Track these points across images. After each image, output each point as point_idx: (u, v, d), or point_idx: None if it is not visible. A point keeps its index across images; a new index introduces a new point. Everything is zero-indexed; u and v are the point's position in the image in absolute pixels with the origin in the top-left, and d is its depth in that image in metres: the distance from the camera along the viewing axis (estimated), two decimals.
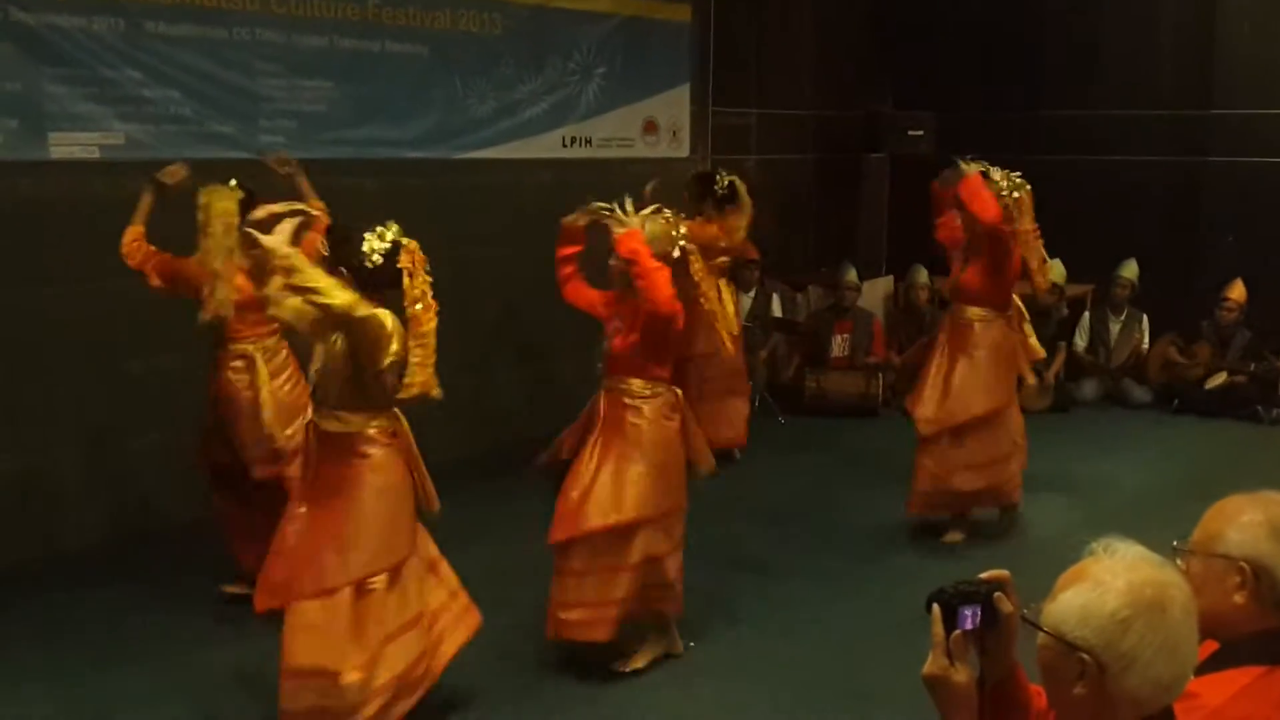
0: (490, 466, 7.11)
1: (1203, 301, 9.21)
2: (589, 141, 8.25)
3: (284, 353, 5.15)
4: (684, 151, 8.96)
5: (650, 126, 8.69)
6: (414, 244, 3.90)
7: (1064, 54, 10.15)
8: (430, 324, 3.86)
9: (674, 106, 8.87)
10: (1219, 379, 8.91)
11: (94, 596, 5.35)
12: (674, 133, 8.91)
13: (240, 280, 4.79)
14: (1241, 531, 2.22)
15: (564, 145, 8.10)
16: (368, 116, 6.98)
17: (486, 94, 7.58)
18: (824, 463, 7.60)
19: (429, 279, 3.89)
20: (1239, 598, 2.20)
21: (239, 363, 5.03)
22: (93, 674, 4.62)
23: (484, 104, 7.57)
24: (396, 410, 3.95)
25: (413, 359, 3.81)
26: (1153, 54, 9.83)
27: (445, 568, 4.17)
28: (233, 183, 4.89)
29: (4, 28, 5.48)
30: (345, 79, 6.83)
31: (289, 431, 4.88)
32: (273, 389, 4.98)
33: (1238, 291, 9.02)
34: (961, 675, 1.90)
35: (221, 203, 4.79)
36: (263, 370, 5.00)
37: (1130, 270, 9.37)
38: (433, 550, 4.13)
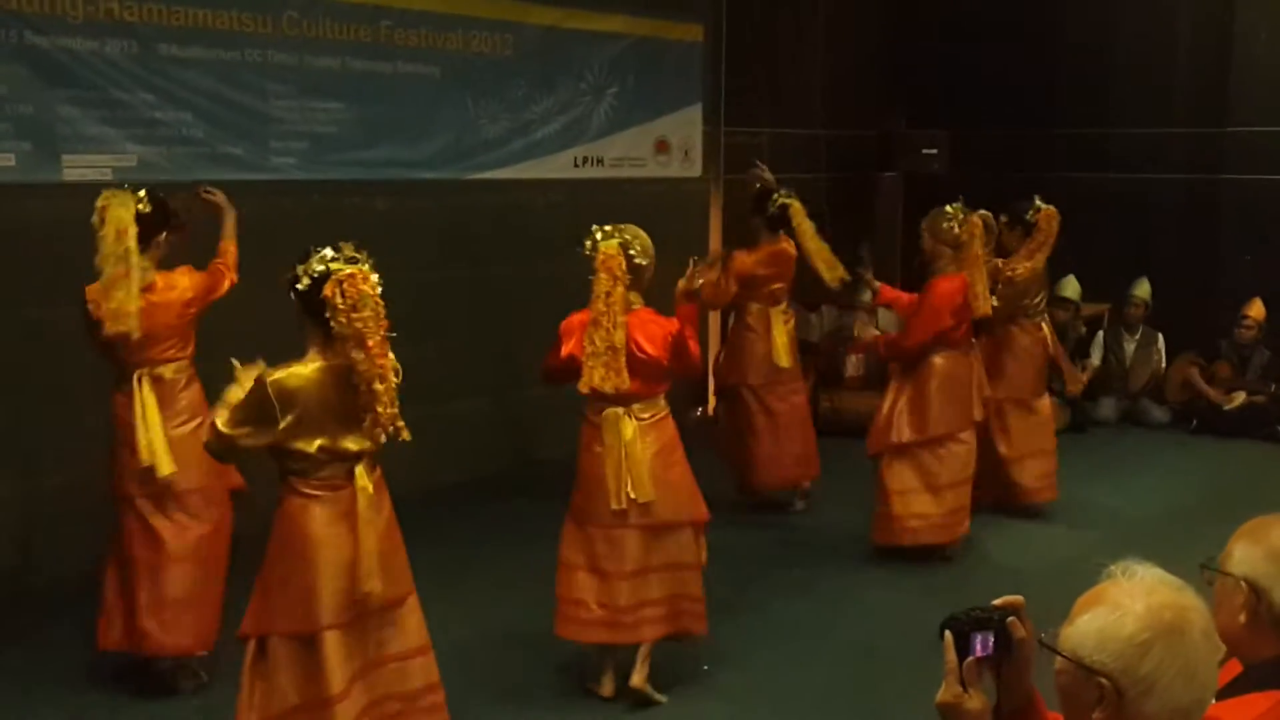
0: (501, 488, 7.10)
1: (1221, 320, 9.15)
2: (601, 161, 8.25)
3: (186, 388, 4.68)
4: (696, 171, 8.96)
5: (662, 146, 8.70)
6: (352, 271, 3.44)
7: (1079, 71, 10.12)
8: (367, 365, 3.44)
9: (686, 126, 8.87)
10: (1236, 399, 8.84)
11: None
12: (686, 152, 8.91)
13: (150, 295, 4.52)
14: (1244, 550, 2.23)
15: (576, 165, 8.10)
16: (379, 138, 6.99)
17: (498, 114, 7.59)
18: (838, 483, 7.55)
19: (371, 315, 3.43)
20: (1242, 617, 2.20)
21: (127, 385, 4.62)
22: None
23: (496, 124, 7.58)
24: None
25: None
26: (1168, 71, 9.79)
27: None
28: (141, 193, 4.58)
29: (17, 51, 5.51)
30: (357, 100, 6.84)
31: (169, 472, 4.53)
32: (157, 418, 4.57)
33: (1256, 310, 8.97)
34: (975, 703, 1.87)
35: (116, 210, 4.47)
36: (149, 396, 4.58)
37: (1143, 289, 9.33)
38: None
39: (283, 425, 3.46)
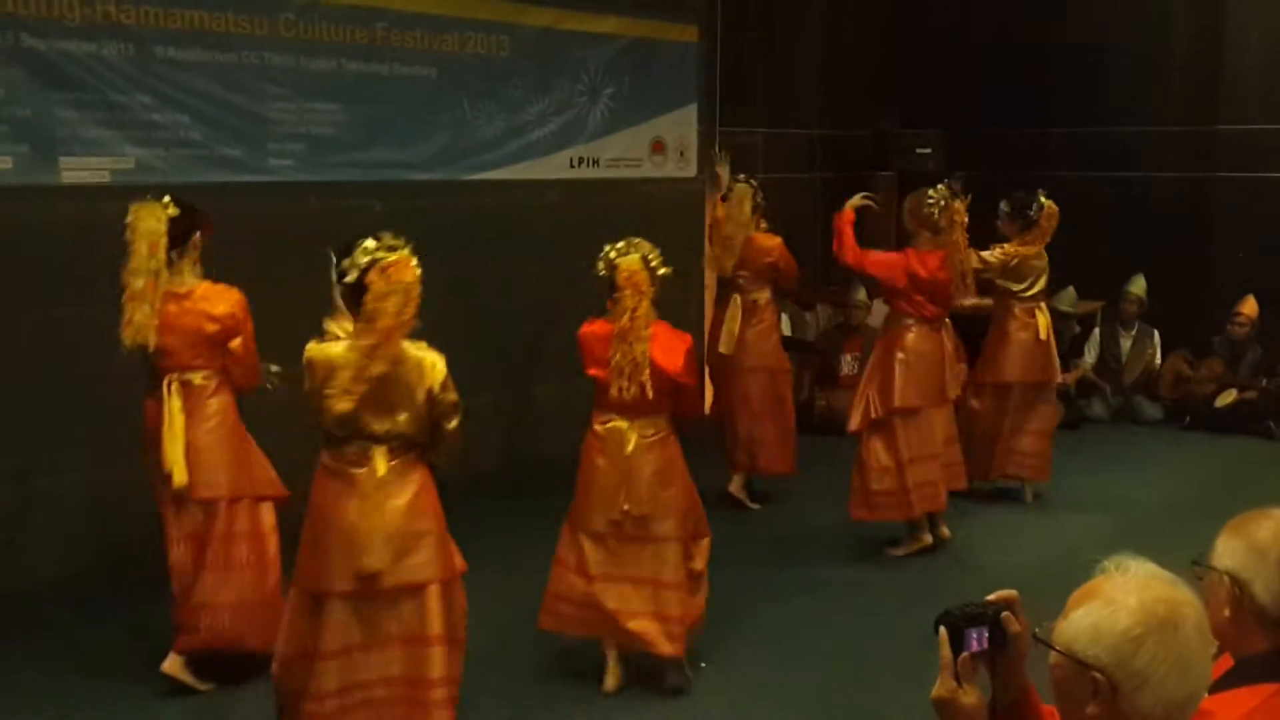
0: (492, 487, 7.11)
1: (1214, 317, 9.18)
2: (597, 162, 8.25)
3: (215, 394, 4.62)
4: (691, 171, 8.96)
5: (658, 146, 8.71)
6: (395, 259, 3.64)
7: (1072, 70, 10.14)
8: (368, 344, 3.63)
9: (681, 126, 8.87)
10: (1229, 396, 8.88)
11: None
12: (681, 152, 8.92)
13: (169, 306, 4.48)
14: (1225, 543, 2.25)
15: (572, 166, 8.10)
16: (376, 139, 6.99)
17: (494, 115, 7.59)
18: (834, 481, 7.55)
19: (393, 301, 3.59)
20: (1226, 611, 2.21)
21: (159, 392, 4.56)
22: None
23: (492, 125, 7.58)
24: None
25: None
26: (1161, 70, 9.82)
27: None
28: (165, 199, 4.53)
29: (14, 53, 5.52)
30: (353, 102, 6.85)
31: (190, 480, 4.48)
32: (181, 425, 4.49)
33: (1249, 306, 9.00)
34: (970, 697, 1.89)
35: (147, 221, 4.44)
36: (175, 402, 4.51)
37: (1138, 286, 9.36)
38: None
39: (307, 389, 3.72)
